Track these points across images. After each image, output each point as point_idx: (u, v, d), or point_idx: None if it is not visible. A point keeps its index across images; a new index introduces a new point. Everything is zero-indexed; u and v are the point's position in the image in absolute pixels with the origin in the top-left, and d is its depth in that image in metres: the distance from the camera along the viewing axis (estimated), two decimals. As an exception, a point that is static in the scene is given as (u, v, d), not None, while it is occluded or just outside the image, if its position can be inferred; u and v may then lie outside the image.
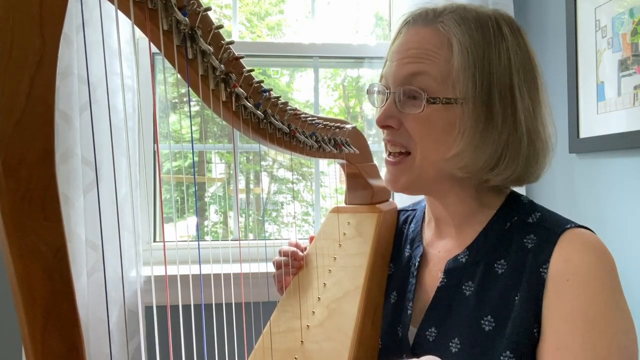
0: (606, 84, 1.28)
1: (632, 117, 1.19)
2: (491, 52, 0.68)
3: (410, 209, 0.97)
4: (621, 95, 1.23)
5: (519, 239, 0.71)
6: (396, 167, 0.77)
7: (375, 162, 1.03)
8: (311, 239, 0.99)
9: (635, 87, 1.19)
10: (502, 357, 0.66)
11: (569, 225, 0.69)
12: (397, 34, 0.77)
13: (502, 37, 0.70)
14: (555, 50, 1.50)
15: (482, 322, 0.69)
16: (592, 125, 1.33)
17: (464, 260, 0.75)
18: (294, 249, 0.94)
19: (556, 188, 1.50)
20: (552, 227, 0.70)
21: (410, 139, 0.73)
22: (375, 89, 0.80)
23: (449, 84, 0.69)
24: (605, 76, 1.29)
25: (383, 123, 0.74)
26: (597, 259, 0.65)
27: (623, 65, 1.22)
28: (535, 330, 0.65)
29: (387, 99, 0.75)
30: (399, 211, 0.99)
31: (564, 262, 0.66)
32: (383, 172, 0.89)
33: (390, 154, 0.77)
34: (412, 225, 0.91)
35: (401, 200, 1.54)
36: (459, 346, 0.70)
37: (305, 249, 0.96)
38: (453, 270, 0.75)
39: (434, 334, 0.73)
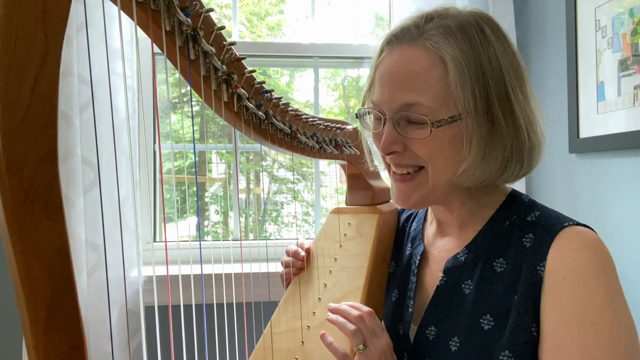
0: (606, 84, 1.28)
1: (632, 117, 1.19)
2: (482, 60, 0.66)
3: None
4: (621, 95, 1.23)
5: (518, 238, 0.71)
6: (407, 184, 0.74)
7: (376, 163, 1.03)
8: (307, 250, 0.97)
9: (635, 87, 1.19)
10: (501, 357, 0.66)
11: (567, 223, 0.68)
12: (380, 52, 0.74)
13: (488, 41, 0.68)
14: (555, 50, 1.50)
15: (481, 321, 0.69)
16: (592, 125, 1.33)
17: (463, 258, 0.75)
18: (297, 248, 0.94)
19: (556, 188, 1.51)
20: (550, 225, 0.69)
21: (418, 158, 0.72)
22: (367, 113, 0.78)
23: (450, 102, 0.67)
24: (605, 76, 1.29)
25: (389, 150, 0.72)
26: (593, 257, 0.64)
27: (623, 65, 1.22)
28: (533, 330, 0.65)
29: (384, 124, 0.72)
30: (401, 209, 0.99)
31: (560, 260, 0.65)
32: (384, 174, 0.89)
33: (395, 173, 0.76)
34: (414, 223, 0.91)
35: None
36: (458, 345, 0.70)
37: (309, 249, 0.96)
38: (452, 269, 0.76)
39: (433, 333, 0.74)
